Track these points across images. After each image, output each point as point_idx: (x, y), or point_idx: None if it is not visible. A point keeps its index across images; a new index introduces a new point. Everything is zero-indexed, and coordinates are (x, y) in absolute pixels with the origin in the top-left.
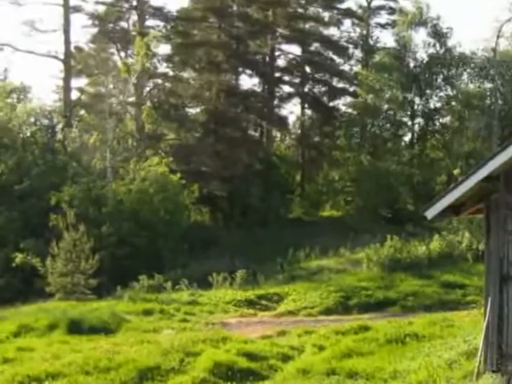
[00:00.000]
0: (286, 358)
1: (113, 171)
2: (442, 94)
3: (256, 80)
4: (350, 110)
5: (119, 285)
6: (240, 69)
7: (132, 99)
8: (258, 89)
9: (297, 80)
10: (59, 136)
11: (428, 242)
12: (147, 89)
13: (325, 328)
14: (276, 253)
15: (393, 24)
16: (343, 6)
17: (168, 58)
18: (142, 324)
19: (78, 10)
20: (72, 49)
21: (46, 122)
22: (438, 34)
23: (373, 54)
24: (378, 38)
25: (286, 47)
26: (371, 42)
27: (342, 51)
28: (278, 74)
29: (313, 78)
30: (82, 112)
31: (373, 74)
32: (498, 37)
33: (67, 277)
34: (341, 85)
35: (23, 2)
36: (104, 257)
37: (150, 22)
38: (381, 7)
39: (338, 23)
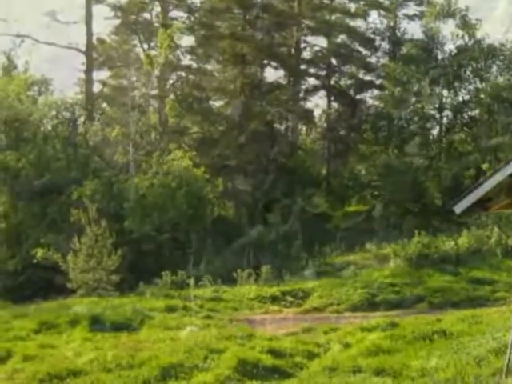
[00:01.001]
0: (311, 356)
1: (135, 165)
2: (470, 86)
3: (281, 72)
4: (376, 103)
5: (142, 281)
6: (265, 61)
7: (155, 92)
8: (284, 81)
9: (323, 72)
10: (81, 129)
11: (456, 237)
12: (170, 81)
13: (351, 325)
14: (301, 248)
15: (420, 15)
16: None
17: (191, 50)
18: (165, 321)
19: (100, 1)
20: (94, 41)
21: (67, 115)
22: (467, 26)
23: (400, 46)
24: (405, 29)
25: (311, 39)
26: (398, 34)
27: (368, 43)
28: (303, 67)
29: (339, 71)
30: (104, 105)
31: (400, 67)
32: None
33: (89, 273)
34: (367, 77)
35: None
36: (126, 252)
37: (173, 14)
38: None
39: (364, 14)
